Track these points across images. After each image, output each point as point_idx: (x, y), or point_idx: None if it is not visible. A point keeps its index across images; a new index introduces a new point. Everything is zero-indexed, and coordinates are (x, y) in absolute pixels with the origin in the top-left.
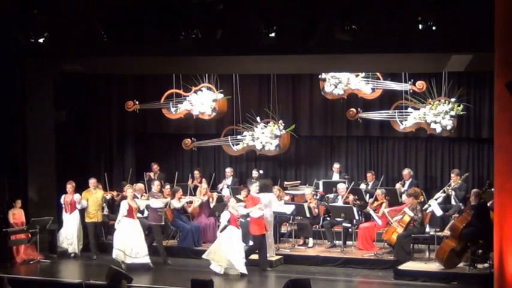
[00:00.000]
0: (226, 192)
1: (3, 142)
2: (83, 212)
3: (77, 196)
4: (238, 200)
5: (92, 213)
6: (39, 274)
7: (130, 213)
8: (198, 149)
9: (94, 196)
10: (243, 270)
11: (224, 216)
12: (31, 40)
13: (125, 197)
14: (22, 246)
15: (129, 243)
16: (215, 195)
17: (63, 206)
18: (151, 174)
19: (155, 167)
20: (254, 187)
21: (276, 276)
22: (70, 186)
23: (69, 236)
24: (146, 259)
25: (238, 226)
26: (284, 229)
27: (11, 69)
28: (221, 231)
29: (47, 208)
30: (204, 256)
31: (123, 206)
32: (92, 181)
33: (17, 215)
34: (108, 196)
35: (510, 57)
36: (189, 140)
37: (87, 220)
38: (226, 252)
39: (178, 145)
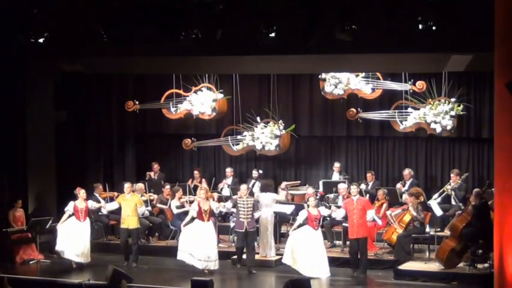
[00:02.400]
0: (226, 192)
1: (3, 142)
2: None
3: (90, 203)
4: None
5: (123, 219)
6: (39, 274)
7: (199, 215)
8: (198, 149)
9: (127, 201)
10: (322, 274)
11: (301, 215)
12: (31, 40)
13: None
14: (22, 246)
15: (198, 246)
16: (215, 195)
17: (74, 213)
18: (152, 173)
19: (155, 166)
20: (353, 189)
21: (276, 276)
22: (83, 192)
23: (80, 245)
24: (214, 264)
25: (316, 226)
26: (284, 229)
27: (11, 69)
28: (293, 230)
29: (47, 208)
30: (284, 261)
31: (193, 208)
32: (126, 185)
33: (17, 215)
34: (144, 198)
35: (510, 57)
36: (189, 140)
37: (120, 226)
38: (301, 254)
39: (178, 145)
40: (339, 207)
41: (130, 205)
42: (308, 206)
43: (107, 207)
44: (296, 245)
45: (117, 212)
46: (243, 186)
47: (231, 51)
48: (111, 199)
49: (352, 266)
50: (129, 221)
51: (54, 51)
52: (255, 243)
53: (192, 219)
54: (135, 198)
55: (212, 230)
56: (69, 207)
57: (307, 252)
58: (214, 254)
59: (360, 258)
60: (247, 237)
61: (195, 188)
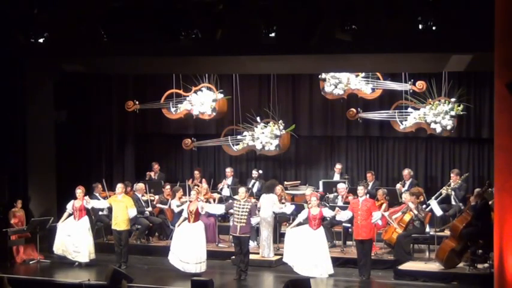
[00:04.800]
0: (226, 192)
1: (4, 142)
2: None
3: (87, 199)
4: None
5: (114, 220)
6: (39, 274)
7: (188, 217)
8: (198, 149)
9: (117, 202)
10: (321, 274)
11: (302, 214)
12: (31, 40)
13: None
14: (22, 246)
15: (183, 248)
16: (216, 195)
17: (73, 212)
18: (152, 174)
19: (156, 166)
20: (360, 190)
21: (276, 276)
22: (80, 191)
23: (77, 244)
24: (198, 267)
25: (315, 226)
26: (284, 229)
27: (11, 69)
28: (291, 228)
29: (47, 208)
30: (284, 260)
31: (184, 208)
32: (119, 186)
33: (17, 215)
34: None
35: (510, 57)
36: (189, 140)
37: (112, 227)
38: (299, 254)
39: (178, 145)
40: (344, 208)
41: (120, 206)
42: (310, 205)
43: (91, 203)
44: (294, 245)
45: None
46: (242, 190)
47: (231, 51)
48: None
49: (358, 268)
50: (118, 223)
51: (54, 51)
52: (248, 248)
53: (184, 219)
54: (126, 200)
55: (198, 232)
56: (68, 206)
57: (305, 252)
58: (197, 256)
59: (364, 261)
60: (240, 243)
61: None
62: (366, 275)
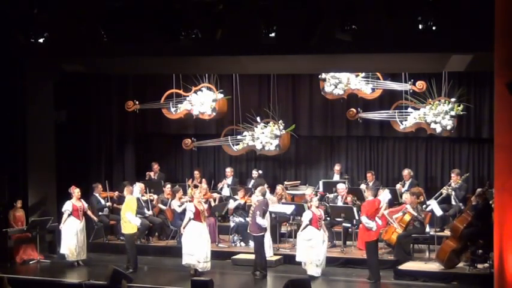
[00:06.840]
0: (226, 191)
1: (4, 142)
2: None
3: (85, 204)
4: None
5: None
6: (39, 274)
7: (197, 217)
8: (198, 149)
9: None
10: (314, 273)
11: (307, 216)
12: (31, 40)
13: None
14: (22, 246)
15: (201, 248)
16: (216, 195)
17: (73, 212)
18: (152, 174)
19: (155, 167)
20: (365, 193)
21: (276, 276)
22: (78, 191)
23: (81, 244)
24: (209, 265)
25: (320, 227)
26: (284, 229)
27: (11, 69)
28: (301, 231)
29: (47, 208)
30: (298, 259)
31: (189, 209)
32: (125, 189)
33: (17, 215)
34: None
35: (510, 57)
36: (189, 140)
37: None
38: (307, 254)
39: (178, 145)
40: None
41: (123, 209)
42: (309, 206)
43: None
44: (306, 244)
45: (117, 212)
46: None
47: (231, 51)
48: (111, 198)
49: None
50: (122, 225)
51: (54, 51)
52: (258, 248)
53: (189, 220)
54: (127, 203)
55: (207, 231)
56: (68, 207)
57: (313, 251)
58: (209, 254)
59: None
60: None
61: (196, 188)
62: (373, 278)
